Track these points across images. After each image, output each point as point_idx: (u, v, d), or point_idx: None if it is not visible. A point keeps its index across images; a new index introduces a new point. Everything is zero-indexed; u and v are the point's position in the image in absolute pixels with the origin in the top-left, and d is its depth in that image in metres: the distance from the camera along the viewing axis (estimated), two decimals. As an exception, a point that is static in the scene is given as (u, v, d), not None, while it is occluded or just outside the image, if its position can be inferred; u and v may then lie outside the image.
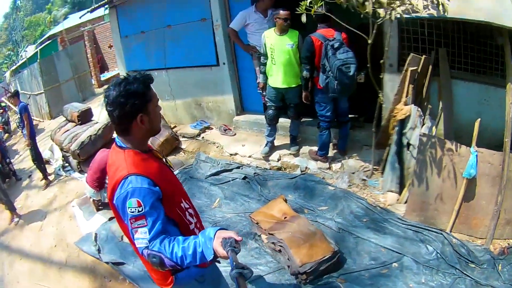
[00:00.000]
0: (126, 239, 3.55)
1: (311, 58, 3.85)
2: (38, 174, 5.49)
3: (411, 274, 3.04)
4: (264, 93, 4.47)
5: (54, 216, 4.39)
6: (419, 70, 3.78)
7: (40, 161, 5.42)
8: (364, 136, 4.63)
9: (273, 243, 3.03)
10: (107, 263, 3.40)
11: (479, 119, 3.28)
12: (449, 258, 3.27)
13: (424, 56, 3.82)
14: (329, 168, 4.35)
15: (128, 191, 1.45)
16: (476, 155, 3.25)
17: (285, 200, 3.55)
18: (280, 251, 2.99)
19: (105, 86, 8.16)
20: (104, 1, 6.05)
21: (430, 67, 3.88)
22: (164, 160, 1.80)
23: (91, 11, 6.75)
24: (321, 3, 3.24)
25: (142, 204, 1.44)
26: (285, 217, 3.25)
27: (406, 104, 3.66)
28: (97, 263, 3.53)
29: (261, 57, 4.23)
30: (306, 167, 4.41)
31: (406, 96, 3.71)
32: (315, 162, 4.43)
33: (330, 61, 3.61)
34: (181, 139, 5.41)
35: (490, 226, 3.49)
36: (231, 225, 3.59)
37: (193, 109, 5.81)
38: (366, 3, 3.09)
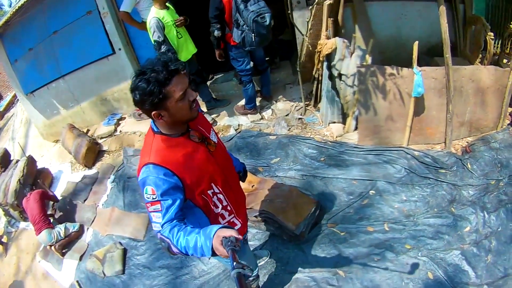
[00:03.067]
0: (107, 273, 3.37)
1: (221, 16, 3.66)
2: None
3: (391, 196, 3.20)
4: None
5: (30, 281, 3.94)
6: (332, 2, 3.74)
7: None
8: (283, 76, 4.71)
9: (255, 216, 3.00)
10: None
11: (417, 41, 3.39)
12: (418, 170, 3.45)
13: None
14: (262, 118, 4.36)
15: (145, 178, 1.54)
16: (421, 74, 3.42)
17: None
18: (265, 221, 3.01)
19: (6, 115, 7.08)
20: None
21: None
22: (206, 141, 1.76)
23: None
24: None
25: (156, 192, 1.51)
26: (252, 186, 3.20)
27: (328, 37, 3.65)
28: None
29: (161, 46, 3.73)
30: (239, 125, 4.35)
31: (326, 30, 3.68)
32: (245, 117, 4.40)
33: (243, 14, 3.46)
34: (99, 141, 5.02)
35: (447, 132, 3.76)
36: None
37: (100, 106, 5.42)
38: None
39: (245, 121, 4.33)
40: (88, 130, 5.30)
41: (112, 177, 4.33)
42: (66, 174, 4.79)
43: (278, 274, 2.82)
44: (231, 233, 1.39)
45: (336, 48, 3.58)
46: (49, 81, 5.35)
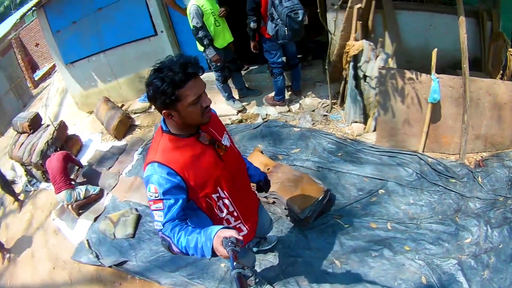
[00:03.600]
0: (118, 235, 3.55)
1: (257, 9, 3.85)
2: (8, 198, 5.19)
3: (399, 197, 3.25)
4: (214, 56, 4.22)
5: (40, 236, 4.21)
6: (362, 6, 3.85)
7: (6, 185, 5.10)
8: (314, 74, 4.78)
9: (265, 197, 3.12)
10: (110, 267, 3.33)
11: (436, 49, 3.49)
12: (429, 176, 3.47)
13: None
14: (289, 110, 4.51)
15: (149, 176, 1.55)
16: (438, 81, 3.48)
17: (261, 152, 3.62)
18: (274, 202, 3.11)
19: (42, 85, 7.41)
20: (32, 4, 5.57)
21: (373, 2, 3.97)
22: (215, 144, 1.73)
23: (20, 19, 6.22)
24: None
25: (158, 191, 1.51)
26: (268, 169, 3.31)
27: (356, 40, 3.76)
28: (101, 270, 3.43)
29: (199, 32, 3.97)
30: (266, 114, 4.52)
31: (355, 32, 3.79)
32: (273, 108, 4.56)
33: (278, 9, 3.62)
34: (132, 115, 5.28)
35: (462, 143, 3.77)
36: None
37: (137, 84, 5.65)
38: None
39: (273, 111, 4.52)
40: (123, 105, 5.58)
41: (140, 149, 4.56)
42: (96, 143, 5.08)
43: (277, 254, 2.93)
44: (231, 233, 1.39)
45: (362, 50, 3.68)
46: (90, 54, 5.64)
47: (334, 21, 4.11)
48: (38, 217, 4.42)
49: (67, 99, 6.41)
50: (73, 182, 4.24)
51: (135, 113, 5.28)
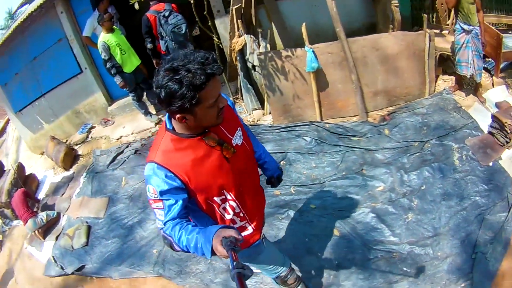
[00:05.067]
0: (75, 246, 4.06)
1: (150, 31, 4.50)
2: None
3: (301, 164, 3.62)
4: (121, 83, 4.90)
5: (19, 264, 4.69)
6: (243, 6, 4.46)
7: None
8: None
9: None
10: (72, 273, 3.84)
11: (304, 23, 3.91)
12: (329, 140, 3.80)
13: None
14: None
15: (148, 177, 1.53)
16: (312, 51, 3.85)
17: None
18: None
19: (1, 139, 7.80)
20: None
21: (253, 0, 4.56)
22: (222, 145, 1.60)
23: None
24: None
25: (156, 192, 1.49)
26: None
27: (239, 36, 4.37)
28: (67, 279, 3.90)
29: (107, 63, 4.65)
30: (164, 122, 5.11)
31: (238, 30, 4.41)
32: None
33: (164, 27, 4.29)
34: (75, 147, 5.87)
35: (357, 102, 4.08)
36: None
37: (75, 119, 6.25)
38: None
39: None
40: (67, 140, 6.15)
41: (84, 173, 5.11)
42: (50, 177, 5.62)
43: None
44: (230, 233, 1.35)
45: (246, 44, 4.28)
46: (33, 99, 6.18)
47: (223, 26, 4.75)
48: (15, 249, 4.93)
49: (22, 145, 6.95)
50: (35, 210, 4.81)
51: (77, 144, 5.86)
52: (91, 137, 5.89)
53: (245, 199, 1.80)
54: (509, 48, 4.53)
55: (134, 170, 4.60)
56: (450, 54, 4.52)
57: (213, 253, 1.38)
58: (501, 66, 4.57)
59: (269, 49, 4.19)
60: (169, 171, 1.50)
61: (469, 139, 3.78)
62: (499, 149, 3.64)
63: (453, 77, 4.62)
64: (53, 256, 4.20)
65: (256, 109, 4.61)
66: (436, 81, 4.62)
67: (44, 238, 4.56)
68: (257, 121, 4.50)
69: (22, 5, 7.09)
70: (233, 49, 4.45)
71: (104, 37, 4.56)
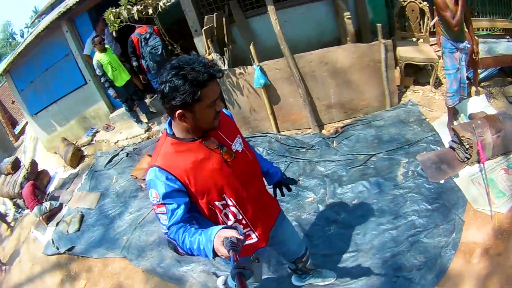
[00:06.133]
0: (70, 231, 4.83)
1: (134, 52, 5.27)
2: (2, 226, 6.68)
3: None
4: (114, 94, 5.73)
5: (24, 247, 5.60)
6: (215, 26, 5.07)
7: (0, 216, 6.63)
8: None
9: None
10: (64, 252, 4.60)
11: (252, 42, 4.30)
12: (278, 150, 4.11)
13: (215, 13, 4.96)
14: None
15: (150, 181, 1.56)
16: (260, 68, 4.18)
17: (150, 155, 4.87)
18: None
19: (22, 137, 8.98)
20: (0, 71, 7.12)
21: (224, 19, 5.13)
22: (222, 149, 1.65)
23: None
24: (118, 24, 4.53)
25: (159, 196, 1.52)
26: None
27: (209, 54, 4.98)
28: (60, 257, 4.60)
29: (101, 79, 5.49)
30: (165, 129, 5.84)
31: (208, 48, 5.01)
32: None
33: (144, 48, 5.03)
34: (82, 148, 6.74)
35: (307, 115, 4.27)
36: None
37: (83, 123, 7.15)
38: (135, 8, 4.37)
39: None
40: (75, 142, 7.05)
41: (87, 172, 5.97)
42: (60, 174, 6.53)
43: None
44: (231, 233, 1.37)
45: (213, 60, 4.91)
46: (46, 105, 7.14)
47: (201, 44, 5.34)
48: (23, 234, 5.83)
49: (39, 145, 7.97)
50: (43, 200, 5.68)
51: (83, 146, 6.74)
52: (95, 140, 6.77)
53: (247, 206, 1.80)
54: (496, 53, 4.36)
55: (124, 171, 5.36)
56: (422, 64, 4.50)
57: (214, 254, 1.41)
58: (485, 74, 4.43)
59: (228, 67, 4.56)
60: (170, 173, 1.53)
61: (421, 153, 3.60)
62: (457, 166, 3.40)
63: (425, 87, 4.50)
64: (52, 239, 4.99)
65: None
66: (405, 92, 4.58)
67: (47, 224, 5.39)
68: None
69: (42, 14, 8.11)
70: (204, 66, 5.06)
71: (97, 56, 5.38)
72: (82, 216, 5.02)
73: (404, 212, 3.07)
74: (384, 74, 4.11)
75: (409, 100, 4.33)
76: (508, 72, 4.58)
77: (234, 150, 1.71)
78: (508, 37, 4.94)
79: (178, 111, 1.45)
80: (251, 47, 4.20)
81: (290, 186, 2.24)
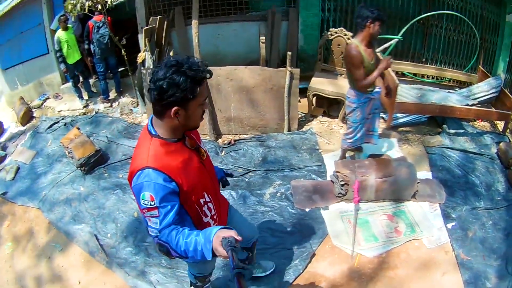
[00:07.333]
0: (7, 179, 5.56)
1: (88, 36, 6.20)
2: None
3: None
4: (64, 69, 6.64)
5: None
6: (156, 27, 5.83)
7: None
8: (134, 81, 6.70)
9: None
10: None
11: (185, 48, 5.22)
12: None
13: (159, 16, 5.77)
14: (111, 106, 6.77)
15: (143, 184, 1.50)
16: None
17: (78, 128, 5.70)
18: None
19: None
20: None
21: (166, 22, 5.90)
22: (198, 150, 1.74)
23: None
24: (75, 11, 5.38)
25: (154, 199, 1.48)
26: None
27: (144, 51, 5.79)
28: None
29: (57, 53, 6.31)
30: (98, 109, 6.75)
31: (145, 46, 5.78)
32: (103, 104, 6.84)
33: (95, 35, 5.94)
34: (33, 110, 7.56)
35: (206, 123, 4.69)
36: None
37: (39, 87, 7.92)
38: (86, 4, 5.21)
39: (101, 107, 6.83)
40: (30, 102, 7.88)
41: (31, 131, 6.80)
42: (11, 128, 7.42)
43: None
44: (230, 233, 1.40)
45: (145, 59, 5.72)
46: (15, 63, 7.91)
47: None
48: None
49: (2, 98, 8.83)
50: (-9, 152, 6.60)
51: (34, 108, 7.60)
52: (44, 105, 7.67)
53: (216, 201, 1.91)
54: (429, 101, 4.43)
55: (58, 137, 6.13)
56: (332, 97, 4.67)
57: (213, 254, 1.43)
58: (409, 119, 4.53)
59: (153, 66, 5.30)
60: (165, 174, 1.52)
61: (297, 179, 3.80)
62: (330, 199, 3.49)
63: (334, 120, 4.73)
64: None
65: (145, 112, 6.15)
66: (311, 121, 4.90)
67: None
68: (141, 121, 6.05)
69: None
70: (137, 61, 5.91)
71: (59, 33, 6.22)
72: (18, 168, 5.90)
73: (259, 227, 3.29)
74: (286, 100, 4.46)
75: (309, 129, 4.64)
76: (440, 122, 4.64)
77: (203, 150, 1.81)
78: (457, 88, 5.14)
79: (174, 108, 1.48)
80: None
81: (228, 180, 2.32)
